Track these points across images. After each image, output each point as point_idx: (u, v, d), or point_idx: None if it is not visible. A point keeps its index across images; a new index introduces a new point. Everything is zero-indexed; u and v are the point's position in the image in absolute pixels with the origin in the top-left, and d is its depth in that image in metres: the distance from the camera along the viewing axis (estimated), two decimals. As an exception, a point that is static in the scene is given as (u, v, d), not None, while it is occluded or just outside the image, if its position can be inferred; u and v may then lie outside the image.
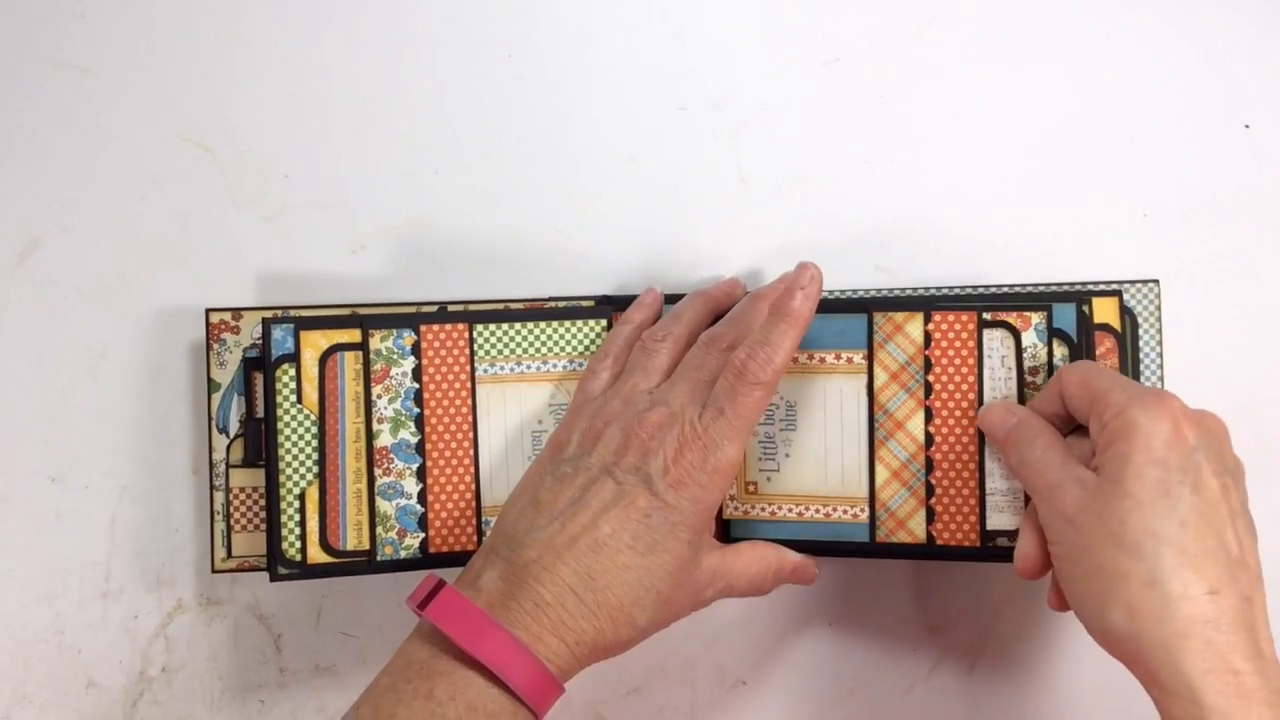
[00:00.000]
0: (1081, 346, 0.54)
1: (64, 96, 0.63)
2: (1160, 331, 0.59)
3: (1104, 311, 0.57)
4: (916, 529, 0.55)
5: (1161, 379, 0.59)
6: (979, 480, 0.54)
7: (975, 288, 0.60)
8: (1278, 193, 0.62)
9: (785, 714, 0.62)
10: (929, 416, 0.55)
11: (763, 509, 0.57)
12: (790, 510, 0.57)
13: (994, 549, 0.54)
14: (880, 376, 0.56)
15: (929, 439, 0.55)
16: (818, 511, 0.56)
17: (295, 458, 0.56)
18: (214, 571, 0.59)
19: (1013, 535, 0.54)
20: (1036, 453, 0.49)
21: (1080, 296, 0.56)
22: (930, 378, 0.55)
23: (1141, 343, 0.59)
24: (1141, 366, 0.59)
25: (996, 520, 0.54)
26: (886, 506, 0.56)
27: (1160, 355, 0.59)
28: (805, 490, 0.57)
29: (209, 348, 0.60)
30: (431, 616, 0.47)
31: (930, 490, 0.55)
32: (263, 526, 0.59)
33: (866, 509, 0.56)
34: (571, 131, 0.63)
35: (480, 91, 0.63)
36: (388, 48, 0.63)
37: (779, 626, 0.62)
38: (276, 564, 0.56)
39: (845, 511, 0.56)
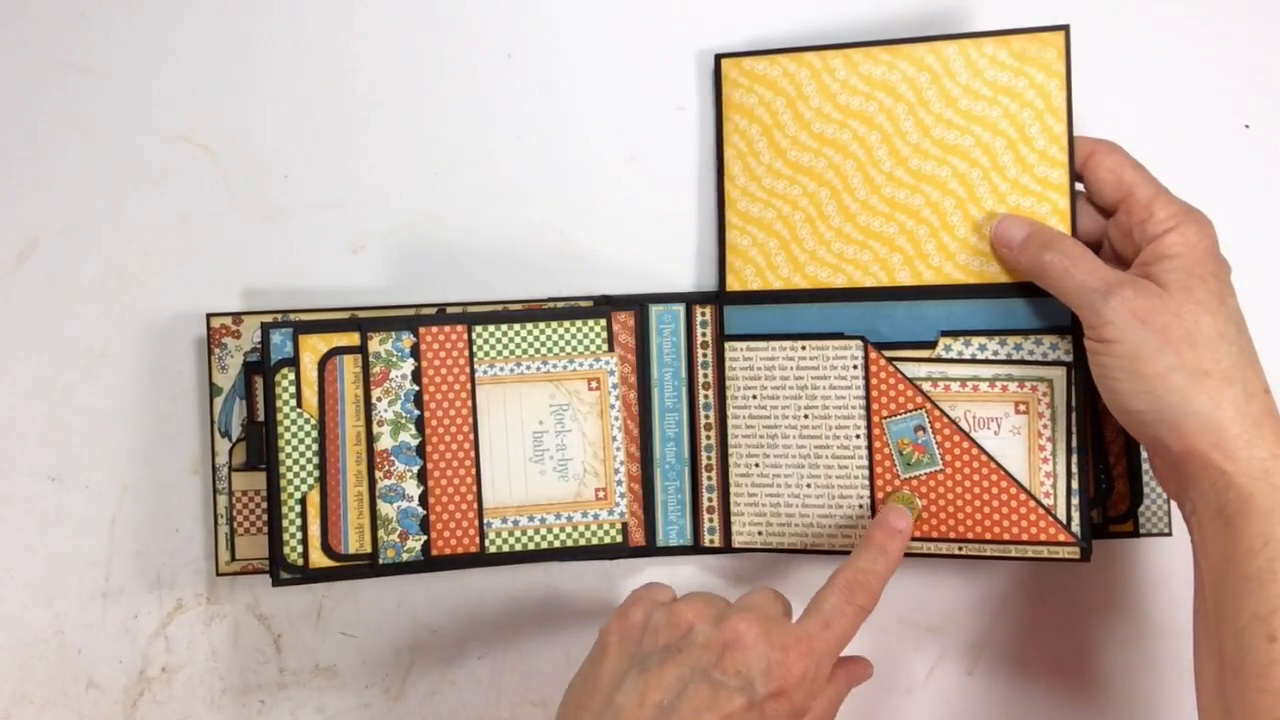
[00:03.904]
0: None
1: (64, 96, 0.63)
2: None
3: None
4: None
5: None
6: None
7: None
8: (1278, 193, 0.63)
9: (785, 714, 0.62)
10: None
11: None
12: None
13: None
14: None
15: None
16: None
17: (296, 462, 0.56)
18: (218, 575, 0.59)
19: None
20: (1070, 252, 0.51)
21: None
22: None
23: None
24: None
25: None
26: None
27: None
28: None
29: (210, 352, 0.60)
30: None
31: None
32: (266, 530, 0.59)
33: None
34: (571, 131, 0.63)
35: (480, 91, 0.63)
36: (387, 48, 0.63)
37: (779, 626, 0.62)
38: (279, 569, 0.56)
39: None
